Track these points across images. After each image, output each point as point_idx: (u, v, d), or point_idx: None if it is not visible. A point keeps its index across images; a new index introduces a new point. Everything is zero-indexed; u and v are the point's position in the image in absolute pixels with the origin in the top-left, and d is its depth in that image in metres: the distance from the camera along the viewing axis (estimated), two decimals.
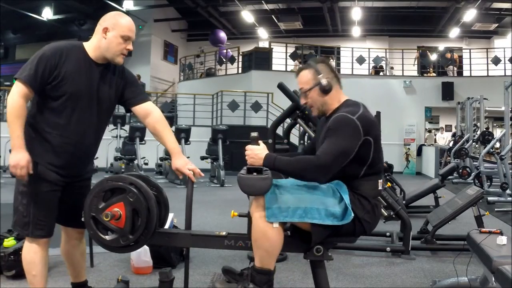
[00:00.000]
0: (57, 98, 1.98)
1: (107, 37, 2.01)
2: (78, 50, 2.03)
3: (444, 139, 14.09)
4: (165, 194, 2.13)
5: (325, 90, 2.00)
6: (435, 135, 16.09)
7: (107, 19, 2.04)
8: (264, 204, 1.83)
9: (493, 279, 1.90)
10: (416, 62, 14.84)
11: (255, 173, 1.84)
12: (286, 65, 13.83)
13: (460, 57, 15.03)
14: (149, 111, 2.20)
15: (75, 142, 2.04)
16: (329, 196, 1.88)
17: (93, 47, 2.05)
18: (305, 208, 1.82)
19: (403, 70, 13.99)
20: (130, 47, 2.06)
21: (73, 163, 2.06)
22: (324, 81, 1.99)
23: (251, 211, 1.90)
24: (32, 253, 2.02)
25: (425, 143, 13.28)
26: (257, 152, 1.89)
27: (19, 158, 1.89)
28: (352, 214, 1.84)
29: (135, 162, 8.24)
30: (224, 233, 2.02)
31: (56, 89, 1.97)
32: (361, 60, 13.43)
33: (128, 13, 14.27)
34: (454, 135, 12.10)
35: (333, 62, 14.89)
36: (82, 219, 1.99)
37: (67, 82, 1.97)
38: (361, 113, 1.90)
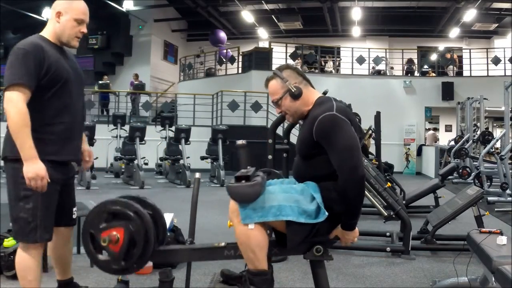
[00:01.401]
0: (53, 86, 1.98)
1: (60, 21, 2.03)
2: (45, 40, 2.03)
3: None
4: (162, 213, 2.10)
5: (296, 96, 2.00)
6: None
7: (59, 3, 2.05)
8: (238, 208, 1.84)
9: (493, 279, 1.90)
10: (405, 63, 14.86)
11: (243, 181, 1.84)
12: None
13: (460, 57, 15.03)
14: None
15: (71, 126, 2.06)
16: (301, 194, 1.89)
17: (50, 33, 2.06)
18: (278, 206, 1.83)
19: (403, 70, 13.98)
20: (84, 29, 2.08)
21: (71, 149, 2.08)
22: (292, 88, 2.00)
23: (230, 217, 1.91)
24: (28, 259, 1.99)
25: (425, 143, 13.29)
26: (353, 234, 1.93)
27: (37, 168, 1.87)
28: (326, 213, 1.84)
29: (135, 162, 8.25)
30: (223, 244, 2.01)
31: (53, 78, 1.97)
32: (361, 60, 13.43)
33: (128, 13, 14.31)
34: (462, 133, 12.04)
35: (331, 63, 14.94)
36: (74, 216, 1.96)
37: (57, 69, 1.99)
38: (336, 106, 1.91)
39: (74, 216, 2.18)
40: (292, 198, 1.87)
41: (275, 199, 1.85)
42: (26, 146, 1.86)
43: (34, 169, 1.86)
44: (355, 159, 1.82)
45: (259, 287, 1.87)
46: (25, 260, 1.99)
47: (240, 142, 1.97)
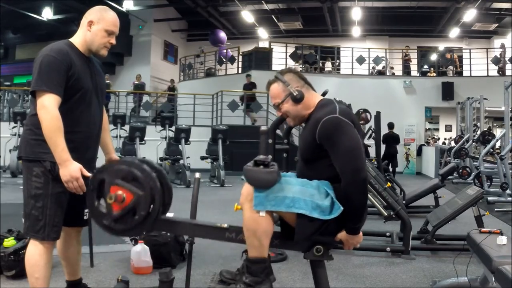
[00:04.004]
0: (74, 94, 2.01)
1: (91, 30, 2.06)
2: (72, 47, 2.06)
3: None
4: (169, 180, 2.11)
5: (297, 100, 2.00)
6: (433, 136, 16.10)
7: (92, 13, 2.09)
8: (252, 193, 1.83)
9: (493, 279, 1.90)
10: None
11: (262, 166, 1.84)
12: (286, 65, 13.82)
13: (460, 57, 15.04)
14: (103, 112, 2.31)
15: (89, 135, 2.09)
16: (316, 189, 1.89)
17: (80, 41, 2.09)
18: (293, 198, 1.82)
19: (403, 70, 13.98)
20: (113, 41, 2.12)
21: (87, 156, 2.10)
22: (294, 92, 1.99)
23: (241, 201, 1.90)
24: (37, 255, 2.00)
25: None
26: (357, 238, 1.92)
27: (71, 170, 1.89)
28: (341, 208, 1.84)
29: None
30: (225, 225, 2.01)
31: (75, 85, 2.00)
32: (361, 60, 13.43)
33: (128, 13, 14.31)
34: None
35: (330, 63, 14.94)
36: (85, 217, 1.97)
37: (78, 79, 2.01)
38: (339, 108, 1.91)
39: (85, 217, 2.19)
40: (307, 192, 1.86)
41: (290, 190, 1.85)
42: (58, 150, 1.89)
43: (68, 171, 1.89)
44: (358, 161, 1.82)
45: (256, 276, 1.87)
46: (34, 256, 2.01)
47: (263, 127, 1.97)
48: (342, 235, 1.92)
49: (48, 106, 1.89)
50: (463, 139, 9.84)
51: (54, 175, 1.97)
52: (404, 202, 5.06)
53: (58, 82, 1.92)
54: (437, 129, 18.13)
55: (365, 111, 6.24)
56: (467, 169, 8.53)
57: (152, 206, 1.90)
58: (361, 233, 1.94)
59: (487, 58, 13.69)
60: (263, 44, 16.78)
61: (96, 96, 2.14)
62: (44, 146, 1.94)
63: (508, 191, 6.58)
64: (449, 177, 7.81)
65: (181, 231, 2.20)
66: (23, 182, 2.05)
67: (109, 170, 1.94)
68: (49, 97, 1.90)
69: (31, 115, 2.04)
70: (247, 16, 15.01)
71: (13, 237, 2.94)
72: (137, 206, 1.89)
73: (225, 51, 15.43)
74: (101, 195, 1.93)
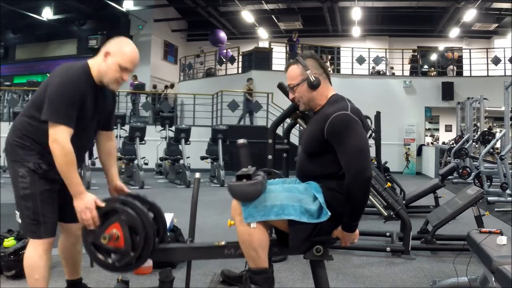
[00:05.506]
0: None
1: (106, 62, 2.01)
2: (87, 76, 2.01)
3: None
4: (161, 211, 2.09)
5: (313, 86, 2.00)
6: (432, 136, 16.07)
7: (112, 43, 2.05)
8: (240, 207, 1.84)
9: (493, 279, 1.90)
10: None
11: (244, 180, 1.84)
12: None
13: (460, 57, 15.03)
14: (110, 138, 2.30)
15: (77, 158, 2.02)
16: (303, 194, 1.89)
17: (95, 70, 2.04)
18: (281, 205, 1.83)
19: (403, 70, 13.98)
20: (125, 77, 2.06)
21: None
22: (311, 77, 1.99)
23: (232, 216, 1.92)
24: (36, 256, 2.00)
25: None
26: (354, 235, 1.93)
27: (86, 202, 1.91)
28: (328, 213, 1.84)
29: (135, 162, 8.25)
30: (223, 243, 2.00)
31: (79, 114, 1.98)
32: (361, 60, 13.42)
33: (128, 13, 14.30)
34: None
35: (328, 63, 14.92)
36: None
37: (87, 107, 2.00)
38: (350, 106, 1.92)
39: None
40: (294, 197, 1.86)
41: (277, 198, 1.85)
42: (74, 183, 1.92)
43: (83, 203, 1.91)
44: (364, 161, 1.83)
45: (260, 286, 1.87)
46: (32, 258, 2.00)
47: (241, 141, 1.97)
48: (338, 232, 1.93)
49: (61, 140, 1.88)
50: (463, 139, 9.83)
51: (40, 174, 1.97)
52: (404, 202, 5.05)
53: (71, 114, 1.91)
54: (437, 129, 18.13)
55: (366, 117, 6.21)
56: (467, 169, 8.53)
57: (146, 238, 1.88)
58: (357, 231, 1.95)
59: (487, 58, 13.68)
60: (263, 44, 16.79)
61: (95, 120, 2.12)
62: (27, 151, 1.96)
63: (508, 191, 6.58)
64: (449, 177, 7.81)
65: (181, 257, 2.22)
66: (12, 184, 2.04)
67: (124, 209, 1.91)
68: (62, 130, 1.88)
69: (22, 115, 2.03)
70: (247, 16, 15.01)
71: (13, 237, 2.94)
72: (132, 239, 1.88)
73: (225, 51, 15.43)
74: (104, 220, 1.93)
